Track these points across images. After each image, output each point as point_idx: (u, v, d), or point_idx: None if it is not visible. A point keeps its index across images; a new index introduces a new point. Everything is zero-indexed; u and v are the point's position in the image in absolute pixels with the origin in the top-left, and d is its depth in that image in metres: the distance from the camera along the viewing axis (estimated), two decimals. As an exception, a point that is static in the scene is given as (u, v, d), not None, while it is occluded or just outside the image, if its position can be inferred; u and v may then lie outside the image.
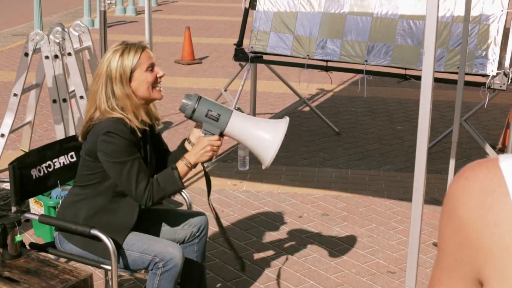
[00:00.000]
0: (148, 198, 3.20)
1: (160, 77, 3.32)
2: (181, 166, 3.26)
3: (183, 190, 3.64)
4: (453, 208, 1.05)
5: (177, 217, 3.66)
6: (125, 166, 3.17)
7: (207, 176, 3.46)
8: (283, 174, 6.44)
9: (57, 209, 4.48)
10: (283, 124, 3.21)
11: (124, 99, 3.20)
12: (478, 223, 1.01)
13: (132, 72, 3.22)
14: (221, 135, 3.24)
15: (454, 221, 1.05)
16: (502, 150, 7.18)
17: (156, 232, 3.53)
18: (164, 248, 3.29)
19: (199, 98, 3.22)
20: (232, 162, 6.68)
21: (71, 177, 3.76)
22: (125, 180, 3.19)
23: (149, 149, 3.40)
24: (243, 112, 7.61)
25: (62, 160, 3.65)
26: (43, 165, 3.52)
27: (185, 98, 3.22)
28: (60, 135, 5.97)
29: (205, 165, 3.35)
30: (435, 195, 5.90)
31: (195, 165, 3.28)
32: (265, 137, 3.18)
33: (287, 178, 6.35)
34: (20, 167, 3.35)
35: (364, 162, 6.86)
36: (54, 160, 3.60)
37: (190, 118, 3.24)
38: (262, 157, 3.20)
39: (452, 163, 5.02)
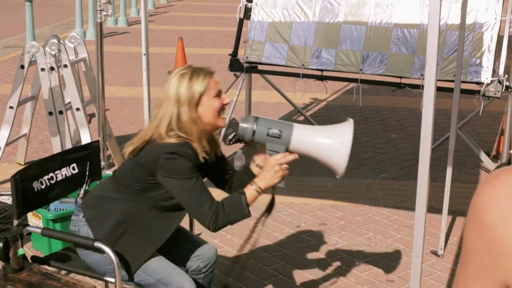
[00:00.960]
0: (212, 221, 3.06)
1: (226, 104, 3.23)
2: (249, 191, 3.09)
3: None
4: (481, 215, 1.06)
5: (191, 244, 3.56)
6: (189, 183, 3.07)
7: (272, 200, 3.27)
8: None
9: (55, 222, 4.48)
10: (348, 126, 3.01)
11: (190, 123, 3.10)
12: (506, 229, 1.02)
13: (200, 96, 3.13)
14: (287, 151, 3.07)
15: (481, 228, 1.06)
16: (497, 157, 7.21)
17: (170, 253, 3.44)
18: (180, 284, 3.25)
19: (257, 118, 3.07)
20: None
21: (73, 189, 3.76)
22: (188, 197, 3.09)
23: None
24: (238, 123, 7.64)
25: (64, 172, 3.64)
26: (45, 177, 3.51)
27: (242, 122, 3.07)
28: (56, 147, 5.97)
29: (279, 185, 3.12)
30: (431, 203, 5.91)
31: (265, 190, 3.12)
32: (333, 143, 2.99)
33: (284, 188, 6.34)
34: (22, 180, 3.34)
35: (360, 171, 6.87)
36: (56, 172, 3.59)
37: (252, 141, 3.09)
38: (334, 166, 3.01)
39: (449, 170, 5.03)
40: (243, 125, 3.05)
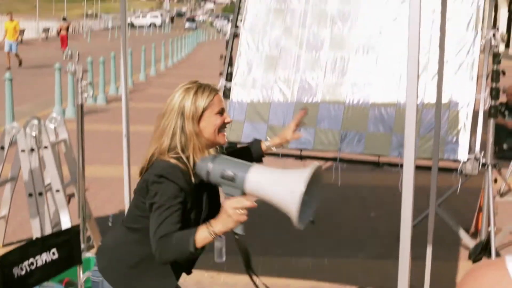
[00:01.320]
0: (157, 253, 2.98)
1: (227, 123, 3.27)
2: (202, 231, 2.91)
3: None
4: None
5: None
6: (161, 209, 3.00)
7: (241, 246, 3.09)
8: (260, 264, 6.40)
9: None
10: (304, 173, 2.80)
11: (193, 136, 3.13)
12: None
13: (203, 111, 3.17)
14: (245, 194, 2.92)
15: None
16: (476, 234, 7.23)
17: None
18: None
19: (215, 157, 2.99)
20: (209, 253, 6.63)
21: (53, 274, 3.73)
22: (152, 221, 3.01)
23: (205, 197, 3.23)
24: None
25: (45, 257, 3.62)
26: (25, 263, 3.48)
27: (200, 160, 3.02)
28: (36, 229, 5.94)
29: (236, 231, 2.93)
30: (412, 282, 5.90)
31: (220, 234, 2.92)
32: (282, 192, 2.83)
33: (264, 268, 6.31)
34: (2, 266, 3.32)
35: (340, 251, 6.87)
36: (36, 258, 3.56)
37: (209, 182, 2.99)
38: (289, 215, 2.83)
39: (429, 250, 5.05)
40: (199, 163, 3.00)
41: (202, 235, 2.90)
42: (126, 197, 6.00)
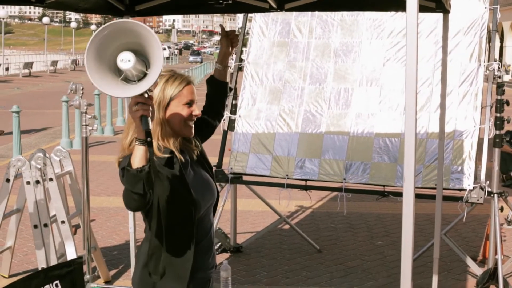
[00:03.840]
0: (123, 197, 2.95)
1: (195, 116, 3.20)
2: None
3: None
4: None
5: None
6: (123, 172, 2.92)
7: (151, 159, 2.83)
8: (266, 294, 6.42)
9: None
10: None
11: (156, 124, 3.08)
12: None
13: (170, 100, 3.13)
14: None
15: None
16: (483, 262, 7.20)
17: None
18: None
19: None
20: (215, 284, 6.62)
21: (56, 307, 3.74)
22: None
23: (196, 173, 3.20)
24: (224, 233, 7.66)
25: (47, 289, 3.63)
26: (28, 295, 3.50)
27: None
28: (41, 260, 5.94)
29: (144, 128, 2.78)
30: (419, 312, 5.89)
31: (139, 136, 2.80)
32: None
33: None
34: (5, 299, 3.33)
35: (347, 280, 6.84)
36: (39, 290, 3.58)
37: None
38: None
39: (435, 279, 5.04)
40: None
41: (132, 150, 2.86)
42: (131, 227, 6.02)
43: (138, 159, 2.80)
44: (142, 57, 2.73)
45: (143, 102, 2.76)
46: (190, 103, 3.19)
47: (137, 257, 3.28)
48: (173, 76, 3.19)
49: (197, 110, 3.21)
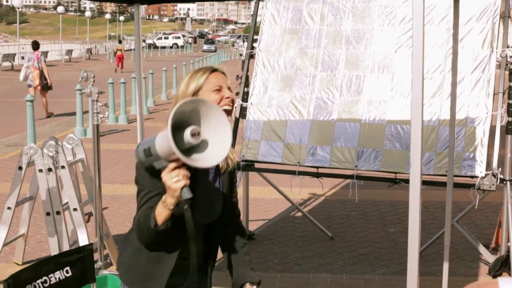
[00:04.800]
0: (135, 232, 3.06)
1: (227, 98, 3.09)
2: (158, 205, 2.91)
3: None
4: None
5: None
6: (139, 193, 3.06)
7: (187, 216, 2.81)
8: (278, 281, 6.42)
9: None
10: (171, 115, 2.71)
11: None
12: None
13: (197, 91, 3.06)
14: (170, 161, 2.81)
15: None
16: (496, 250, 7.19)
17: None
18: None
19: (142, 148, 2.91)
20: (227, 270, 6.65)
21: (66, 293, 3.76)
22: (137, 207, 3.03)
23: (203, 190, 3.13)
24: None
25: (58, 275, 3.64)
26: (39, 281, 3.51)
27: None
28: (53, 247, 5.98)
29: (184, 197, 2.78)
30: (431, 299, 5.89)
31: (173, 205, 2.84)
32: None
33: (282, 285, 6.33)
34: (15, 284, 3.35)
35: (359, 267, 6.85)
36: (50, 276, 3.59)
37: (150, 166, 2.89)
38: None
39: (445, 266, 5.04)
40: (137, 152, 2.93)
41: (159, 210, 2.89)
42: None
43: (161, 218, 2.89)
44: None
45: (174, 169, 2.78)
46: (219, 89, 3.10)
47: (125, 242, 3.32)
48: (196, 70, 3.14)
49: (228, 93, 3.12)
